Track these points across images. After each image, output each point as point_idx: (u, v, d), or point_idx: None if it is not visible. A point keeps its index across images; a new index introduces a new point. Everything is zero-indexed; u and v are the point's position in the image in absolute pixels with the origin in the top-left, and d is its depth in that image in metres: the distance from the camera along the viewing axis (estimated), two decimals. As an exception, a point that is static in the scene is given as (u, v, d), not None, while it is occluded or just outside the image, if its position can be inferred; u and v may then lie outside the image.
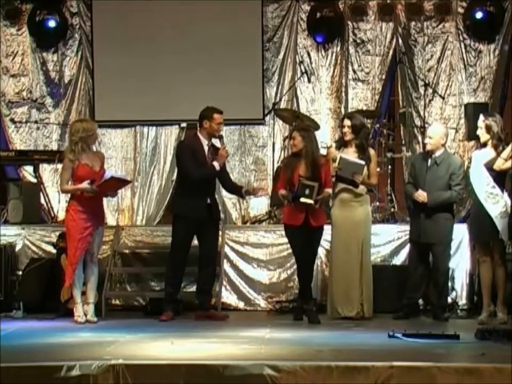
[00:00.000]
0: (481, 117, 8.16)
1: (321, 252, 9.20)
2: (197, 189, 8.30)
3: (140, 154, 11.15)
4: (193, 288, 9.24)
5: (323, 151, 9.94)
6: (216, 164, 8.35)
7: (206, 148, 8.41)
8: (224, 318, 8.40)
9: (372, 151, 8.48)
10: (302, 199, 8.00)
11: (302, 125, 9.98)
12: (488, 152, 8.04)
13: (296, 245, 8.26)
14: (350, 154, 8.33)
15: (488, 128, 8.02)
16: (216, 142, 8.55)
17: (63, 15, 11.13)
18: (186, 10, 10.89)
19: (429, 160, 8.37)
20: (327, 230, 9.00)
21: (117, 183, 8.37)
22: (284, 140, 10.47)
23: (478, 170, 8.04)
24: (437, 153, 8.34)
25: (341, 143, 8.51)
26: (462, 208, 10.42)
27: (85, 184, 8.01)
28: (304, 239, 8.17)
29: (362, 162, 8.19)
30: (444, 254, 8.33)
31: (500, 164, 7.90)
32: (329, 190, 8.24)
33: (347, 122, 8.40)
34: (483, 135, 8.08)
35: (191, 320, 8.38)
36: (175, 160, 8.84)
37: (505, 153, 7.88)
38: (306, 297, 8.29)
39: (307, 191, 8.00)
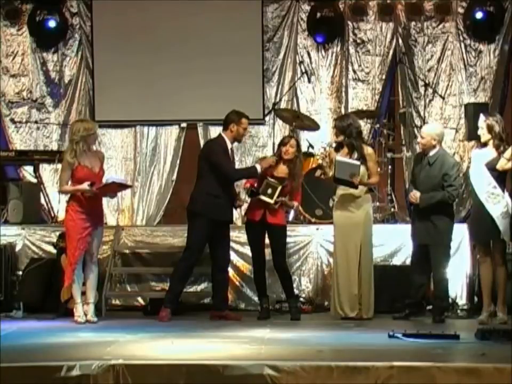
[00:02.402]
0: (482, 117, 8.12)
1: (322, 252, 9.21)
2: (226, 190, 8.33)
3: (140, 154, 11.14)
4: (193, 288, 9.25)
5: (323, 151, 10.00)
6: (258, 166, 8.39)
7: (229, 151, 8.45)
8: (238, 318, 8.40)
9: (369, 150, 8.46)
10: (263, 197, 8.30)
11: (302, 125, 10.10)
12: (489, 152, 8.00)
13: (255, 243, 8.46)
14: (344, 154, 8.34)
15: (490, 128, 7.99)
16: None
17: (63, 15, 11.13)
18: (187, 10, 10.88)
19: (424, 160, 8.31)
20: (327, 230, 9.05)
21: (117, 187, 8.39)
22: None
23: (478, 170, 8.02)
24: (431, 153, 8.23)
25: (338, 145, 8.54)
26: (462, 208, 10.42)
27: (84, 186, 8.00)
28: (263, 237, 8.44)
29: (358, 162, 8.19)
30: (441, 256, 8.20)
31: (502, 164, 7.87)
32: (296, 203, 8.63)
33: (333, 124, 8.58)
34: (484, 135, 8.05)
35: (191, 320, 8.38)
36: (203, 158, 8.45)
37: (508, 153, 7.85)
38: (289, 295, 8.54)
39: (269, 191, 8.32)
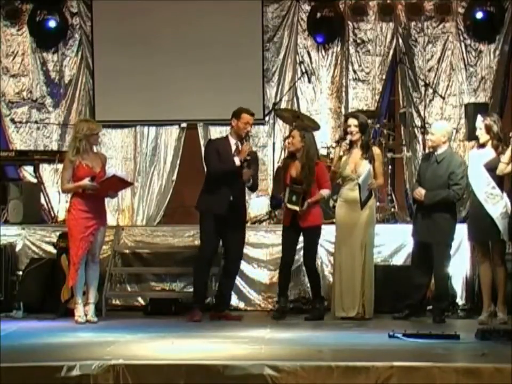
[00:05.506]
0: (480, 118, 8.10)
1: (322, 252, 9.20)
2: (219, 185, 8.28)
3: (140, 154, 11.15)
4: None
5: (323, 151, 9.99)
6: (236, 159, 8.30)
7: (233, 147, 8.39)
8: (238, 318, 8.41)
9: (377, 150, 8.46)
10: (289, 206, 8.27)
11: (303, 124, 10.02)
12: (488, 153, 7.98)
13: (287, 246, 8.43)
14: (355, 154, 8.30)
15: (489, 129, 7.97)
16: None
17: (63, 15, 11.14)
18: (187, 10, 10.89)
19: (431, 158, 8.31)
20: (327, 230, 9.04)
21: (119, 183, 8.35)
22: (284, 140, 10.46)
23: (477, 170, 8.00)
24: (439, 151, 8.22)
25: (341, 141, 8.48)
26: (462, 208, 10.40)
27: (85, 181, 8.01)
28: (296, 240, 8.42)
29: (368, 166, 8.14)
30: (443, 255, 8.21)
31: (502, 169, 7.81)
32: (325, 191, 8.41)
33: (353, 121, 8.31)
34: (483, 135, 8.02)
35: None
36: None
37: (505, 157, 7.80)
38: (315, 295, 8.48)
39: (294, 198, 8.25)
